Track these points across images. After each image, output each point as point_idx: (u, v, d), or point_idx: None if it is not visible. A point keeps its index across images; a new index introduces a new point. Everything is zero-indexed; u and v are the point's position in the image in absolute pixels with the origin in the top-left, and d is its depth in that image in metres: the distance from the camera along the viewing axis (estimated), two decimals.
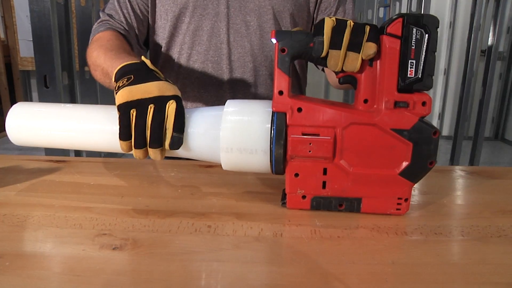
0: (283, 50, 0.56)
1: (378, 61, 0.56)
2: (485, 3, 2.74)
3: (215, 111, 0.62)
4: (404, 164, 0.58)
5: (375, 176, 0.59)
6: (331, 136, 0.57)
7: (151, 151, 0.59)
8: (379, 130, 0.57)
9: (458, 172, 0.85)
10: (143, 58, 0.67)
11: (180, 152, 0.62)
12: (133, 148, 0.59)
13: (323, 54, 0.55)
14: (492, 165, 4.20)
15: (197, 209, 0.62)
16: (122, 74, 0.63)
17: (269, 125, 0.58)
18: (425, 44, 0.54)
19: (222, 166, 0.61)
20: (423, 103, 0.56)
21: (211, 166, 0.81)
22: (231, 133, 0.59)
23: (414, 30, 0.54)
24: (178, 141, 0.59)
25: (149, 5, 0.98)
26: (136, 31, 0.98)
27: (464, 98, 2.81)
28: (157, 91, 0.59)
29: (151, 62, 0.99)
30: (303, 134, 0.57)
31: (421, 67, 0.55)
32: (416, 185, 0.72)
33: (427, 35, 0.54)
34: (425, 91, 0.57)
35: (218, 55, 0.95)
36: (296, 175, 0.59)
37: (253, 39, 0.95)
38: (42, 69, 2.70)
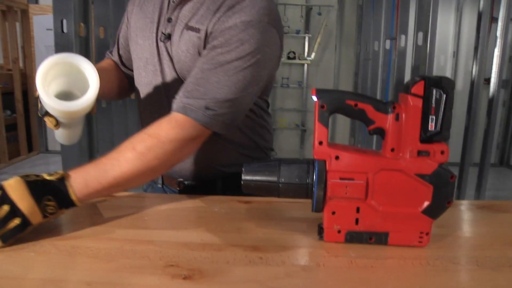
0: (322, 106, 0.67)
1: (403, 116, 0.66)
2: (487, 34, 2.86)
3: None
4: (426, 203, 0.67)
5: (401, 213, 0.68)
6: (364, 180, 0.66)
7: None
8: (404, 175, 0.66)
9: (469, 206, 0.95)
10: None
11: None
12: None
13: None
14: (498, 191, 4.28)
15: (246, 242, 0.71)
16: None
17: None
18: (444, 102, 0.65)
19: None
20: (442, 152, 0.66)
21: (249, 202, 0.91)
22: None
23: (434, 91, 0.64)
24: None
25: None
26: (122, 68, 1.17)
27: (470, 126, 2.91)
28: None
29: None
30: (340, 179, 0.66)
31: (440, 122, 0.65)
32: None
33: (445, 95, 0.64)
34: (444, 142, 0.67)
35: (158, 106, 1.03)
36: (333, 213, 0.69)
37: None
38: None
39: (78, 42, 2.82)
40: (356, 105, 0.67)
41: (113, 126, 3.29)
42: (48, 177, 0.75)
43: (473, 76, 2.84)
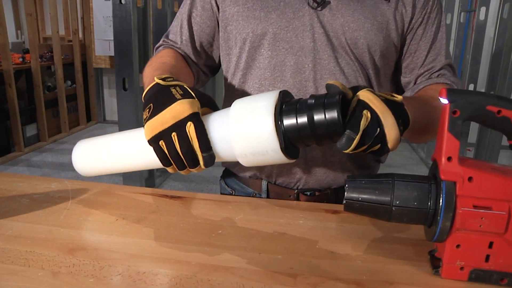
0: (454, 112, 0.52)
1: None
2: None
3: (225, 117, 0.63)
4: None
5: None
6: (506, 211, 0.51)
7: (195, 170, 0.64)
8: None
9: None
10: (155, 78, 0.68)
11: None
12: (177, 170, 0.65)
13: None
14: None
15: (346, 274, 0.58)
16: (145, 102, 0.66)
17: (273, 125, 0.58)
18: None
19: (243, 164, 0.64)
20: None
21: (338, 212, 0.78)
22: (241, 142, 0.60)
23: None
24: (210, 159, 0.62)
25: (222, 30, 0.91)
26: (193, 57, 0.95)
27: None
28: (172, 119, 0.61)
29: (226, 89, 0.93)
30: (474, 207, 0.52)
31: None
32: None
33: None
34: None
35: (303, 93, 0.85)
36: (458, 246, 0.55)
37: (339, 78, 0.85)
38: (121, 72, 2.77)
39: (136, 13, 2.73)
40: (499, 112, 0.51)
41: None
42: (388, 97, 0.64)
43: None
